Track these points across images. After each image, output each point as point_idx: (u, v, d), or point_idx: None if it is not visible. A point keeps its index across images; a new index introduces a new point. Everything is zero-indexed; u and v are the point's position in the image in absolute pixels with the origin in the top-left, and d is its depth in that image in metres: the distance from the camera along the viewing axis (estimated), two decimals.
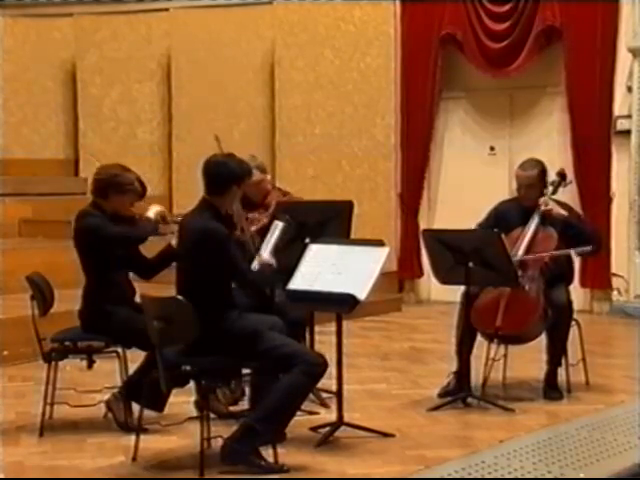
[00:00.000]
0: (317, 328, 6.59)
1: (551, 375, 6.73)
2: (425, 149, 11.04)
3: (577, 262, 7.69)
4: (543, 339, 6.72)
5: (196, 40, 12.11)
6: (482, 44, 10.65)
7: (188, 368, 5.14)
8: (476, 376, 6.58)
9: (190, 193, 9.44)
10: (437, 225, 10.57)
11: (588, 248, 6.60)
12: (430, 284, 10.72)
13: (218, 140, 6.56)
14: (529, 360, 7.15)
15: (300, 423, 5.64)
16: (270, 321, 5.50)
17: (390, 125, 11.17)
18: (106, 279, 5.90)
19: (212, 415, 5.59)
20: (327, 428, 5.73)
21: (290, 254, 5.86)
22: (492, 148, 11.01)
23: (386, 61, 11.15)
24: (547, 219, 6.66)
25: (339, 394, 5.73)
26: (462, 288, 6.52)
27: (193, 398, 5.83)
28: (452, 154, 11.19)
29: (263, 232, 6.17)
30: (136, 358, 5.91)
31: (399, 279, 11.20)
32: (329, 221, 6.39)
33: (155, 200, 11.54)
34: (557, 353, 6.70)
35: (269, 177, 7.26)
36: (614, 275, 10.28)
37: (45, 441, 5.73)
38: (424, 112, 10.95)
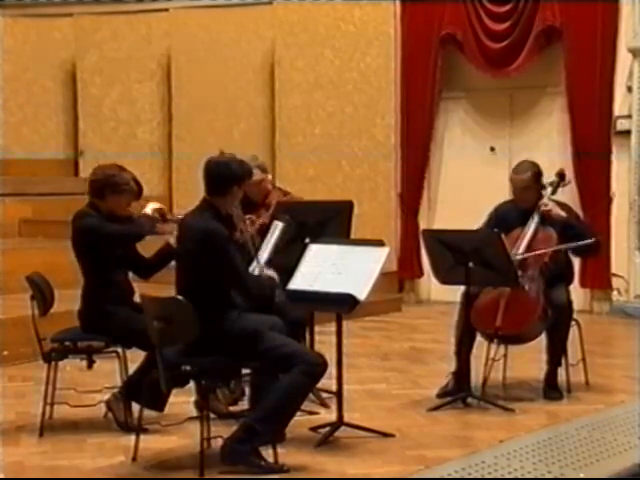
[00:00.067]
0: (317, 328, 6.59)
1: (551, 375, 6.73)
2: (425, 149, 11.04)
3: (577, 262, 7.70)
4: (543, 339, 6.72)
5: (196, 40, 12.11)
6: (482, 44, 10.65)
7: (188, 368, 5.13)
8: (476, 376, 6.58)
9: (190, 193, 9.46)
10: (437, 225, 10.57)
11: (589, 241, 6.59)
12: (430, 284, 10.72)
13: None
14: (529, 360, 7.15)
15: (300, 423, 5.64)
16: (270, 321, 5.50)
17: (390, 125, 11.17)
18: (105, 279, 5.90)
19: (212, 415, 5.59)
20: (327, 428, 5.73)
21: (290, 254, 5.86)
22: (492, 148, 11.00)
23: (386, 61, 11.15)
24: (547, 219, 6.66)
25: (339, 394, 5.73)
26: (462, 288, 6.52)
27: (193, 398, 5.83)
28: (452, 154, 11.19)
29: (263, 232, 6.18)
30: (136, 358, 5.91)
31: (399, 279, 11.20)
32: (329, 221, 6.39)
33: (155, 200, 11.61)
34: (557, 353, 6.71)
35: (270, 177, 7.26)
36: (614, 275, 10.28)
37: (45, 441, 5.73)
38: (424, 112, 10.95)
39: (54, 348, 5.90)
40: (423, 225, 10.77)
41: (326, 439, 5.62)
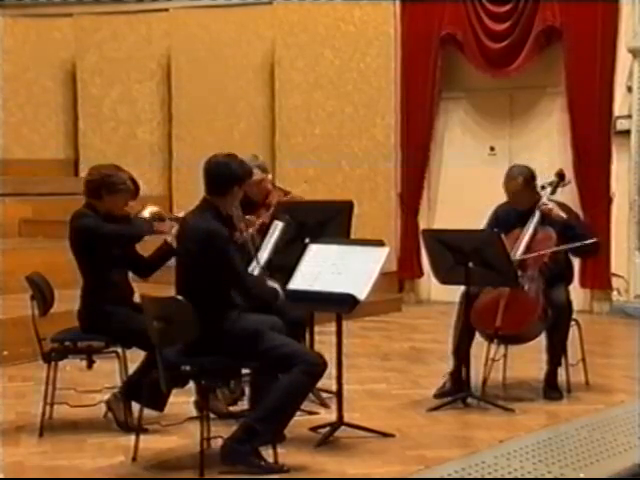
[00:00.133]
0: (317, 328, 6.59)
1: (551, 375, 6.73)
2: (425, 149, 11.04)
3: (577, 262, 7.70)
4: (543, 339, 6.73)
5: (196, 40, 12.11)
6: (482, 44, 10.65)
7: (188, 368, 5.13)
8: (476, 376, 6.58)
9: (190, 193, 9.46)
10: (437, 225, 10.57)
11: (589, 241, 6.59)
12: (430, 284, 10.72)
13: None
14: (529, 360, 7.15)
15: (300, 423, 5.64)
16: (270, 321, 5.50)
17: (390, 125, 11.17)
18: (103, 279, 5.90)
19: (212, 415, 5.59)
20: (327, 428, 5.73)
21: (290, 254, 5.86)
22: (492, 148, 11.00)
23: (386, 61, 11.15)
24: (546, 219, 6.67)
25: (339, 394, 5.73)
26: (462, 288, 6.53)
27: (193, 398, 5.83)
28: (452, 154, 11.19)
29: (263, 232, 6.18)
30: (136, 358, 5.91)
31: (399, 279, 11.20)
32: (329, 221, 6.39)
33: (155, 200, 11.56)
34: (557, 353, 6.71)
35: (270, 177, 7.26)
36: (614, 275, 10.28)
37: (45, 441, 5.73)
38: (424, 112, 10.95)
39: (54, 348, 5.90)
40: (423, 225, 10.77)
41: (326, 439, 5.62)
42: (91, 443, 5.68)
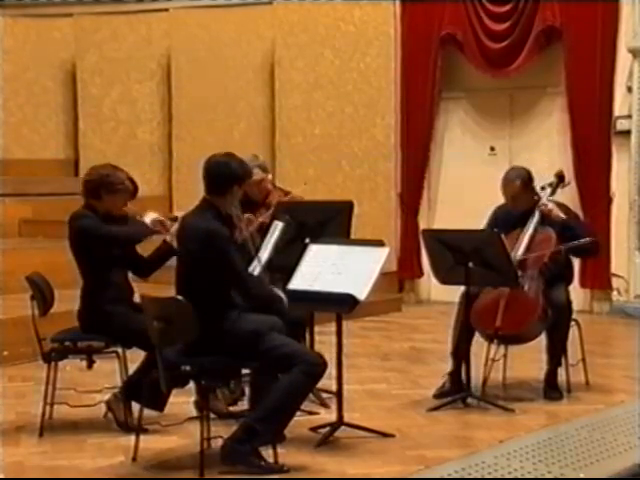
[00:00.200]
0: (317, 328, 6.59)
1: (551, 375, 6.73)
2: (425, 149, 11.04)
3: (577, 262, 7.70)
4: (543, 339, 6.73)
5: (196, 40, 12.11)
6: (482, 44, 10.64)
7: (188, 368, 5.13)
8: (476, 376, 6.58)
9: (190, 193, 9.45)
10: (437, 225, 10.57)
11: (586, 240, 6.59)
12: (430, 284, 10.71)
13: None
14: (529, 360, 7.15)
15: (300, 423, 5.64)
16: (270, 321, 5.49)
17: (390, 125, 11.17)
18: (103, 280, 5.90)
19: (212, 415, 5.59)
20: (327, 428, 5.73)
21: (290, 254, 5.86)
22: (492, 148, 11.00)
23: (386, 61, 11.15)
24: (546, 220, 6.67)
25: (339, 394, 5.73)
26: (462, 288, 6.53)
27: (193, 398, 5.83)
28: (452, 154, 11.19)
29: (263, 232, 6.18)
30: (136, 358, 5.91)
31: (399, 279, 11.20)
32: (329, 221, 6.39)
33: (155, 200, 11.64)
34: (557, 353, 6.71)
35: (270, 177, 7.26)
36: (614, 275, 10.28)
37: (45, 441, 5.73)
38: (424, 112, 10.94)
39: (54, 348, 5.90)
40: (423, 225, 10.77)
41: (326, 439, 5.62)
42: (91, 443, 5.68)
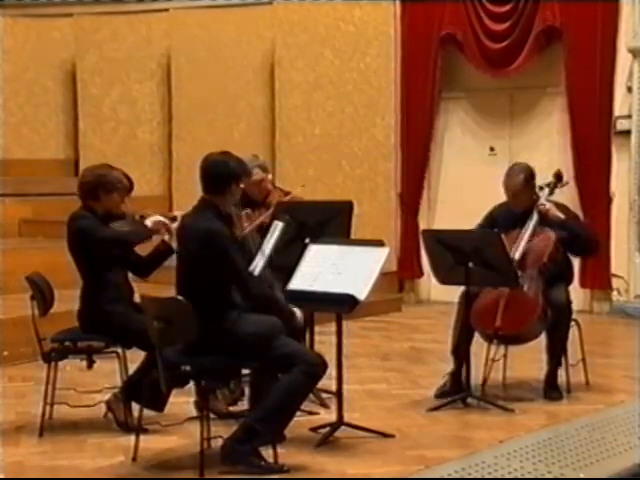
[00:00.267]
0: (317, 328, 6.59)
1: (551, 375, 6.73)
2: (425, 149, 11.04)
3: (577, 262, 7.70)
4: (543, 339, 6.72)
5: (196, 40, 12.11)
6: (482, 44, 10.64)
7: (188, 368, 5.13)
8: (476, 376, 6.58)
9: (190, 193, 9.40)
10: (437, 225, 10.57)
11: (564, 233, 6.59)
12: (430, 284, 10.71)
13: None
14: (529, 360, 7.15)
15: (300, 423, 5.64)
16: (270, 321, 5.49)
17: (390, 125, 11.17)
18: (103, 280, 5.89)
19: (212, 415, 5.59)
20: (327, 428, 5.73)
21: (290, 254, 5.86)
22: (492, 148, 11.00)
23: (386, 61, 11.15)
24: (544, 220, 6.67)
25: (339, 394, 5.73)
26: (461, 288, 6.52)
27: (193, 398, 5.83)
28: (452, 154, 11.19)
29: (263, 232, 6.18)
30: (136, 358, 5.91)
31: (399, 279, 11.20)
32: (329, 221, 6.39)
33: (155, 200, 11.65)
34: (557, 353, 6.71)
35: (270, 177, 7.26)
36: (614, 275, 10.28)
37: (45, 441, 5.73)
38: (424, 112, 10.94)
39: (54, 348, 5.90)
40: (423, 225, 10.78)
41: (326, 439, 5.62)
42: (91, 443, 5.68)
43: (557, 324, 6.60)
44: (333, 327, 5.79)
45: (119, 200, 6.00)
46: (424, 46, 10.86)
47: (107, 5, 12.55)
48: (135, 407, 5.66)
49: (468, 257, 6.27)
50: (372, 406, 6.50)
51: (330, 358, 5.45)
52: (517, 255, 6.53)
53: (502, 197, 6.99)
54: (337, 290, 5.45)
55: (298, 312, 5.53)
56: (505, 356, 6.81)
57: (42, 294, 5.95)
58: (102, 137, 12.62)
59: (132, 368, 5.91)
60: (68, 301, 6.25)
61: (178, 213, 6.04)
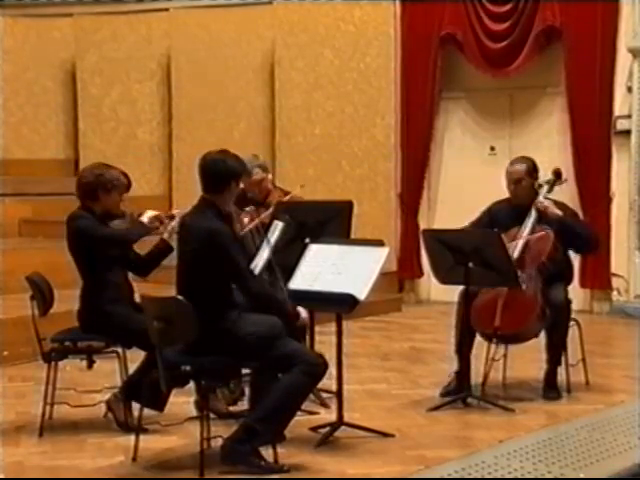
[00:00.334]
0: (317, 328, 6.59)
1: (550, 375, 6.72)
2: (425, 149, 11.04)
3: (577, 262, 7.70)
4: (543, 339, 6.72)
5: (196, 40, 12.11)
6: (482, 44, 10.64)
7: (188, 368, 5.13)
8: (476, 376, 6.58)
9: (190, 193, 9.39)
10: (437, 225, 10.57)
11: (548, 229, 6.58)
12: (430, 284, 10.72)
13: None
14: (529, 360, 7.15)
15: (300, 423, 5.64)
16: (270, 321, 5.49)
17: (390, 125, 11.17)
18: (102, 280, 5.89)
19: (212, 415, 5.59)
20: (327, 428, 5.73)
21: (290, 254, 5.86)
22: (492, 148, 11.01)
23: (386, 61, 11.15)
24: (543, 217, 6.67)
25: (339, 394, 5.73)
26: (461, 287, 6.52)
27: (193, 398, 5.83)
28: (452, 154, 11.19)
29: (263, 232, 6.18)
30: (136, 358, 5.91)
31: (399, 279, 11.20)
32: (329, 221, 6.39)
33: (155, 200, 11.64)
34: (556, 353, 6.70)
35: (270, 176, 7.26)
36: (614, 275, 10.28)
37: (45, 441, 5.73)
38: (424, 112, 10.95)
39: (54, 348, 5.90)
40: (423, 225, 10.77)
41: (326, 439, 5.62)
42: (91, 443, 5.68)
43: (556, 323, 6.59)
44: (333, 327, 5.79)
45: (118, 199, 6.00)
46: (424, 46, 10.86)
47: (107, 5, 12.55)
48: (135, 407, 5.66)
49: (468, 257, 6.27)
50: (372, 406, 6.50)
51: (330, 358, 5.44)
52: (516, 254, 6.53)
53: (502, 197, 6.99)
54: (337, 290, 5.46)
55: (303, 312, 5.52)
56: (505, 356, 6.81)
57: (42, 294, 5.95)
58: (102, 137, 12.62)
59: (132, 368, 5.91)
60: (68, 301, 6.25)
61: (177, 211, 6.05)
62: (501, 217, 6.77)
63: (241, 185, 5.46)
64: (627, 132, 10.12)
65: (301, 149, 11.57)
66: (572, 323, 6.77)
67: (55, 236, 9.41)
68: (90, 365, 5.98)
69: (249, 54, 11.90)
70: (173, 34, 12.25)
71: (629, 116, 10.12)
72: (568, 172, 9.58)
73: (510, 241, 6.54)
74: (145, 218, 5.97)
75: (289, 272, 5.67)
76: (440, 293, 9.79)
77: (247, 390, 5.84)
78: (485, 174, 10.58)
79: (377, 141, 11.26)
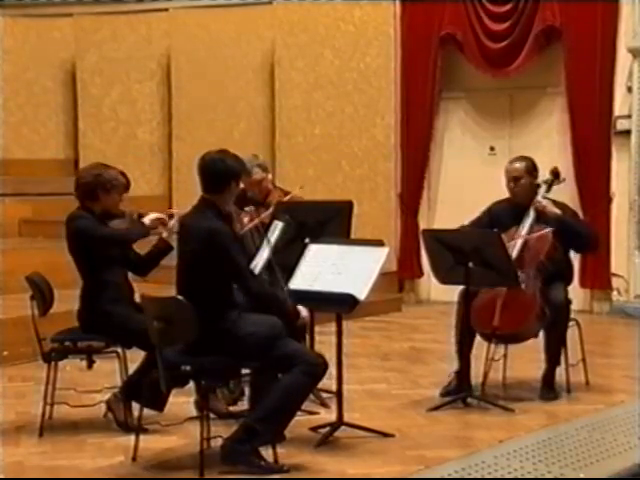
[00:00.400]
0: (317, 328, 6.59)
1: (548, 375, 6.71)
2: (425, 149, 11.04)
3: (577, 262, 7.70)
4: (543, 338, 6.72)
5: (196, 40, 12.11)
6: (482, 44, 10.65)
7: (188, 368, 5.13)
8: (476, 376, 6.58)
9: (190, 193, 9.39)
10: (437, 225, 10.57)
11: (547, 228, 6.59)
12: (430, 284, 10.72)
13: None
14: (529, 360, 7.15)
15: (300, 423, 5.64)
16: (270, 321, 5.49)
17: (390, 125, 11.17)
18: (102, 280, 5.89)
19: (212, 415, 5.59)
20: (327, 428, 5.73)
21: (290, 254, 5.86)
22: (492, 148, 11.01)
23: (386, 61, 11.15)
24: (541, 217, 6.67)
25: (339, 394, 5.73)
26: (461, 288, 6.52)
27: (193, 398, 5.83)
28: (452, 154, 11.20)
29: (263, 232, 6.18)
30: (136, 358, 5.91)
31: (399, 279, 11.20)
32: (329, 221, 6.39)
33: (155, 200, 11.63)
34: (555, 352, 6.68)
35: (270, 176, 7.26)
36: (614, 275, 10.28)
37: (45, 441, 5.73)
38: (424, 112, 10.95)
39: (54, 348, 5.90)
40: (423, 225, 10.77)
41: (326, 439, 5.62)
42: (91, 443, 5.68)
43: (555, 323, 6.59)
44: (333, 327, 5.79)
45: (118, 199, 6.01)
46: (424, 46, 10.86)
47: (107, 5, 12.55)
48: (135, 407, 5.66)
49: (468, 257, 6.27)
50: (372, 406, 6.50)
51: (330, 358, 5.44)
52: (514, 253, 6.53)
53: (502, 197, 6.99)
54: (337, 290, 5.46)
55: (304, 311, 5.51)
56: (505, 356, 6.81)
57: (42, 294, 5.95)
58: (102, 137, 12.62)
59: (132, 368, 5.91)
60: (68, 301, 6.25)
61: (176, 210, 6.05)
62: (501, 217, 6.78)
63: (241, 185, 5.46)
64: (627, 132, 10.12)
65: (301, 149, 11.58)
66: (572, 323, 6.77)
67: (55, 236, 9.40)
68: (90, 365, 5.98)
69: (249, 54, 11.90)
70: (173, 34, 12.25)
71: (629, 116, 10.12)
72: (568, 172, 9.59)
73: (509, 241, 6.54)
74: (147, 220, 5.97)
75: (289, 272, 5.67)
76: (440, 293, 9.79)
77: (247, 390, 5.84)
78: (485, 174, 10.58)
79: (377, 141, 11.26)
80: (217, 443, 5.24)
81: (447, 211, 10.88)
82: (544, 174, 6.93)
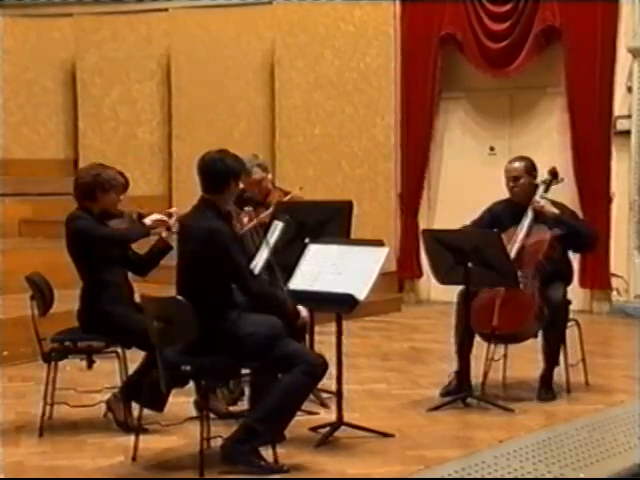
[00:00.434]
0: (317, 328, 6.59)
1: (547, 375, 6.70)
2: (425, 149, 11.04)
3: (576, 262, 7.70)
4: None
5: (196, 40, 12.11)
6: (482, 44, 10.65)
7: (188, 368, 5.13)
8: (476, 376, 6.58)
9: (190, 193, 9.39)
10: (437, 225, 10.57)
11: (558, 231, 6.59)
12: (430, 284, 10.71)
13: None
14: (528, 360, 7.14)
15: (300, 423, 5.64)
16: (270, 321, 5.49)
17: (390, 125, 11.17)
18: (102, 280, 5.89)
19: (212, 415, 5.59)
20: (327, 428, 5.73)
21: (290, 254, 5.86)
22: (492, 148, 11.00)
23: (386, 61, 11.15)
24: (540, 217, 6.67)
25: (339, 394, 5.73)
26: (460, 288, 6.52)
27: (193, 398, 5.83)
28: (452, 154, 11.20)
29: (263, 232, 6.18)
30: (136, 358, 5.91)
31: (399, 279, 11.20)
32: (329, 221, 6.39)
33: (155, 200, 11.63)
34: (553, 352, 6.67)
35: (270, 176, 7.26)
36: (614, 275, 10.28)
37: (45, 441, 5.73)
38: (424, 112, 10.95)
39: (54, 348, 5.90)
40: (423, 225, 10.78)
41: (326, 439, 5.62)
42: (91, 443, 5.68)
43: (553, 323, 6.58)
44: (333, 327, 5.79)
45: (116, 199, 6.01)
46: (424, 46, 10.87)
47: (107, 5, 12.55)
48: (135, 407, 5.66)
49: (468, 257, 6.27)
50: (372, 406, 6.50)
51: (330, 358, 5.44)
52: (512, 253, 6.53)
53: (502, 197, 6.99)
54: (337, 290, 5.46)
55: (304, 310, 5.51)
56: (505, 356, 6.81)
57: (42, 294, 5.95)
58: (102, 137, 12.63)
59: (132, 368, 5.91)
60: (68, 301, 6.25)
61: (175, 210, 6.05)
62: (501, 217, 6.79)
63: (241, 185, 5.46)
64: (627, 132, 10.12)
65: (301, 149, 11.58)
66: (572, 323, 6.77)
67: (55, 236, 9.39)
68: (90, 365, 5.98)
69: (249, 54, 11.90)
70: (173, 34, 12.26)
71: (629, 116, 10.12)
72: (568, 172, 9.61)
73: (507, 241, 6.54)
74: (148, 220, 5.97)
75: (289, 272, 5.67)
76: (440, 293, 9.79)
77: (247, 390, 5.84)
78: (485, 174, 10.58)
79: (377, 141, 11.27)
80: (217, 443, 5.24)
81: (447, 211, 10.88)
82: (543, 174, 6.93)
